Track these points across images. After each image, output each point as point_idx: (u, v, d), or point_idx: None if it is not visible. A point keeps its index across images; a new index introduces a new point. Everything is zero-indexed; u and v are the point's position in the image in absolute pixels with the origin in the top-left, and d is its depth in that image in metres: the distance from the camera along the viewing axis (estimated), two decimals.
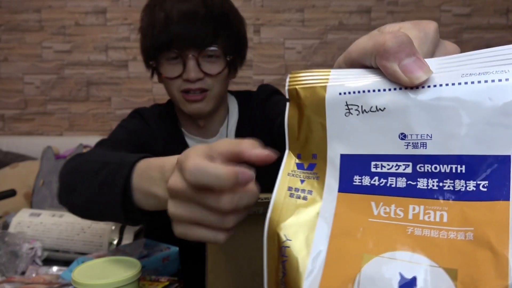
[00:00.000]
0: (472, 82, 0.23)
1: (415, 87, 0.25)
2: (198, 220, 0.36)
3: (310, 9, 2.13)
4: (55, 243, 0.79)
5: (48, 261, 0.78)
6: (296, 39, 2.14)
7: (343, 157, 0.28)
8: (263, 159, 0.33)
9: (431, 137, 0.24)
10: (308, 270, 0.26)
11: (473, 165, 0.23)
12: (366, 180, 0.26)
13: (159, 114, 0.85)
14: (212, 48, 0.71)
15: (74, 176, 0.58)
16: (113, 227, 0.79)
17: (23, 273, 0.71)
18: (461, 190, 0.23)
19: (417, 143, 0.25)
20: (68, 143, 1.76)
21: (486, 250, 0.21)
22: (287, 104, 0.30)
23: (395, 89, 0.25)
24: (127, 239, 0.84)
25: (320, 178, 0.29)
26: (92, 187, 0.53)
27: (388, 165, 0.26)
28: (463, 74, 0.23)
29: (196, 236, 0.37)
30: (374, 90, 0.26)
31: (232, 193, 0.33)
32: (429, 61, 0.25)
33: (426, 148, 0.24)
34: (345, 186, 0.27)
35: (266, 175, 0.99)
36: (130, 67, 2.11)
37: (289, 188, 0.30)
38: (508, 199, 0.21)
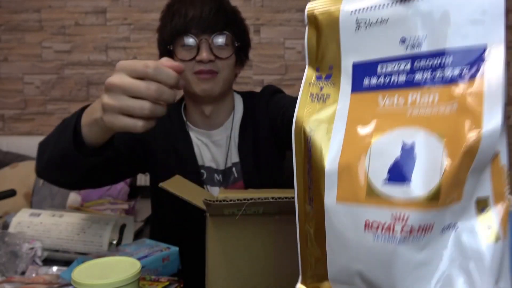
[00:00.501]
0: None
1: None
2: (124, 108, 0.49)
3: None
4: (55, 243, 0.79)
5: (48, 261, 0.78)
6: (296, 39, 2.14)
7: (355, 65, 0.35)
8: (175, 68, 0.49)
9: (425, 38, 0.31)
10: (330, 151, 0.34)
11: (458, 55, 0.30)
12: (374, 80, 0.34)
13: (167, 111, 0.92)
14: (222, 33, 0.82)
15: (43, 145, 0.72)
16: (113, 227, 0.79)
17: (23, 273, 0.71)
18: (449, 76, 0.30)
19: (415, 44, 0.32)
20: None
21: (466, 112, 0.29)
22: (306, 27, 0.38)
23: (396, 2, 0.32)
24: (127, 239, 0.84)
25: (336, 84, 0.36)
26: (53, 141, 0.66)
27: (392, 65, 0.33)
28: None
29: (120, 122, 0.50)
30: (379, 5, 0.33)
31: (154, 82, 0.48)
32: None
33: (421, 47, 0.32)
34: (357, 87, 0.35)
35: (268, 178, 1.00)
36: None
37: (311, 95, 0.37)
38: (483, 75, 0.29)
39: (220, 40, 0.82)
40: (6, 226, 0.87)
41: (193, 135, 0.89)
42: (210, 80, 0.82)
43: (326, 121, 0.35)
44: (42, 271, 0.71)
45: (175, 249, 0.74)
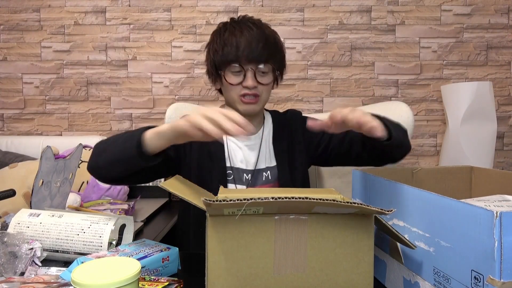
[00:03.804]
0: None
1: None
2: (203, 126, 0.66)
3: (310, 8, 2.13)
4: (54, 243, 0.79)
5: (48, 262, 0.78)
6: (296, 39, 2.14)
7: None
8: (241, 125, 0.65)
9: None
10: None
11: None
12: None
13: None
14: (266, 64, 0.99)
15: (104, 145, 0.85)
16: (113, 227, 0.79)
17: (22, 273, 0.71)
18: None
19: None
20: (67, 143, 1.76)
21: None
22: None
23: None
24: (127, 239, 0.84)
25: None
26: (117, 145, 0.81)
27: None
28: None
29: (196, 133, 0.68)
30: None
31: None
32: None
33: None
34: None
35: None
36: (130, 67, 2.10)
37: None
38: None
39: (263, 69, 0.99)
40: (5, 226, 0.86)
41: (230, 139, 1.06)
42: (253, 103, 1.00)
43: None
44: (41, 271, 0.71)
45: (175, 249, 0.74)
